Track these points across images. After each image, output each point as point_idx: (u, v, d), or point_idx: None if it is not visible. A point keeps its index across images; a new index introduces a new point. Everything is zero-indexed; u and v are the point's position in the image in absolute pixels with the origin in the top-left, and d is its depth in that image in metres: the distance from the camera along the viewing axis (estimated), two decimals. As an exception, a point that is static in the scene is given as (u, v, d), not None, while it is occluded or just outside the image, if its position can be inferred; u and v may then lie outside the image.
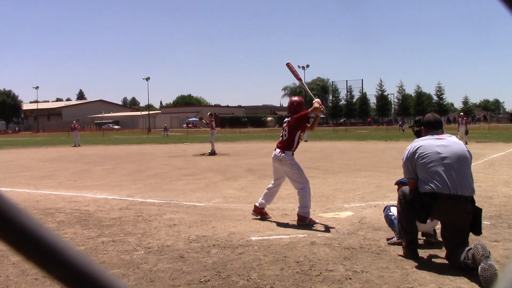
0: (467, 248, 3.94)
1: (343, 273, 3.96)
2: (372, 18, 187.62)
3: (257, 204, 6.33)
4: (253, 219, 6.25)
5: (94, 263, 0.39)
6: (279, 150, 6.13)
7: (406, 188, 4.56)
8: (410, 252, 4.42)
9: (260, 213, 6.28)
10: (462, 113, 28.52)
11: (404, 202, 4.49)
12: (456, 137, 4.59)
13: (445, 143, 4.36)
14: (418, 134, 4.75)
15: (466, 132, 23.56)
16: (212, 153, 18.74)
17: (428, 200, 4.20)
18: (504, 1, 0.39)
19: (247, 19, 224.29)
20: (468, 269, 3.87)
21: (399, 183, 5.25)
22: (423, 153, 4.31)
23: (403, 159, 4.53)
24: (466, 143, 21.71)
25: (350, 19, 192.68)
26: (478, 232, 4.24)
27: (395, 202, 5.53)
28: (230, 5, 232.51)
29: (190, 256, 4.57)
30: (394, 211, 5.16)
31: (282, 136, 6.27)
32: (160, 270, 4.15)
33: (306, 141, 28.36)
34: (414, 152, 4.37)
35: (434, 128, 4.56)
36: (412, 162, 4.38)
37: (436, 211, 4.22)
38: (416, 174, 4.37)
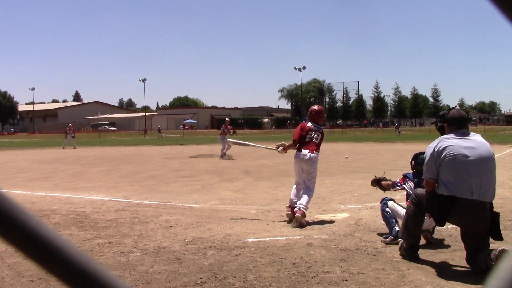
0: (492, 250, 3.89)
1: (339, 275, 3.96)
2: (369, 20, 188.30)
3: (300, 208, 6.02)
4: (249, 219, 6.25)
5: (93, 261, 0.40)
6: (309, 151, 6.28)
7: (421, 191, 4.36)
8: (410, 255, 4.37)
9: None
10: None
11: (416, 205, 4.31)
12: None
13: (472, 144, 4.10)
14: (442, 130, 4.47)
15: None
16: (223, 155, 18.48)
17: (446, 204, 4.03)
18: (497, 5, 0.39)
19: (243, 20, 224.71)
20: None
21: (404, 176, 5.30)
22: (450, 153, 4.05)
23: (426, 157, 4.26)
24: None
25: (346, 21, 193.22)
26: (498, 237, 4.06)
27: (392, 196, 5.53)
28: (226, 7, 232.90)
29: (187, 257, 4.56)
30: (391, 207, 5.14)
31: (312, 139, 6.40)
32: (156, 272, 4.15)
33: None
34: (441, 152, 4.09)
35: (458, 126, 4.23)
36: (437, 161, 4.11)
37: (454, 215, 4.05)
38: (437, 174, 4.13)
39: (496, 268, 0.43)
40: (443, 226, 4.36)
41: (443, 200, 4.07)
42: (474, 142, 4.13)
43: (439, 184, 4.13)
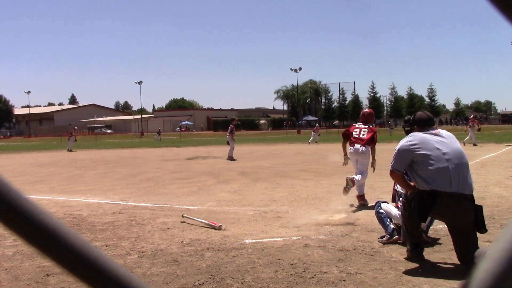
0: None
1: (337, 275, 3.96)
2: (365, 21, 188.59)
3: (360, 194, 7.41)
4: (248, 221, 6.24)
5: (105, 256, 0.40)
6: (360, 145, 7.47)
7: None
8: (415, 256, 4.34)
9: (362, 200, 7.41)
10: (472, 116, 28.97)
11: (407, 205, 4.35)
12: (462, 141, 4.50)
13: (443, 139, 4.25)
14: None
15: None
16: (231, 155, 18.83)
17: (428, 199, 4.09)
18: (495, 5, 0.39)
19: (239, 22, 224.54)
20: None
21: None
22: (423, 148, 4.17)
23: (396, 149, 4.37)
24: (464, 144, 21.87)
25: (343, 22, 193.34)
26: (483, 229, 4.10)
27: (386, 198, 5.53)
28: (223, 9, 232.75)
29: (184, 259, 4.55)
30: (385, 208, 5.16)
31: (359, 135, 7.57)
32: (154, 274, 4.14)
33: (313, 143, 29.26)
34: (414, 145, 4.22)
35: (428, 125, 4.44)
36: (410, 155, 4.23)
37: (436, 210, 4.11)
38: (406, 167, 4.28)
39: (479, 263, 0.43)
40: (425, 222, 4.43)
41: (424, 195, 4.14)
42: (445, 138, 4.29)
43: (418, 180, 4.20)
